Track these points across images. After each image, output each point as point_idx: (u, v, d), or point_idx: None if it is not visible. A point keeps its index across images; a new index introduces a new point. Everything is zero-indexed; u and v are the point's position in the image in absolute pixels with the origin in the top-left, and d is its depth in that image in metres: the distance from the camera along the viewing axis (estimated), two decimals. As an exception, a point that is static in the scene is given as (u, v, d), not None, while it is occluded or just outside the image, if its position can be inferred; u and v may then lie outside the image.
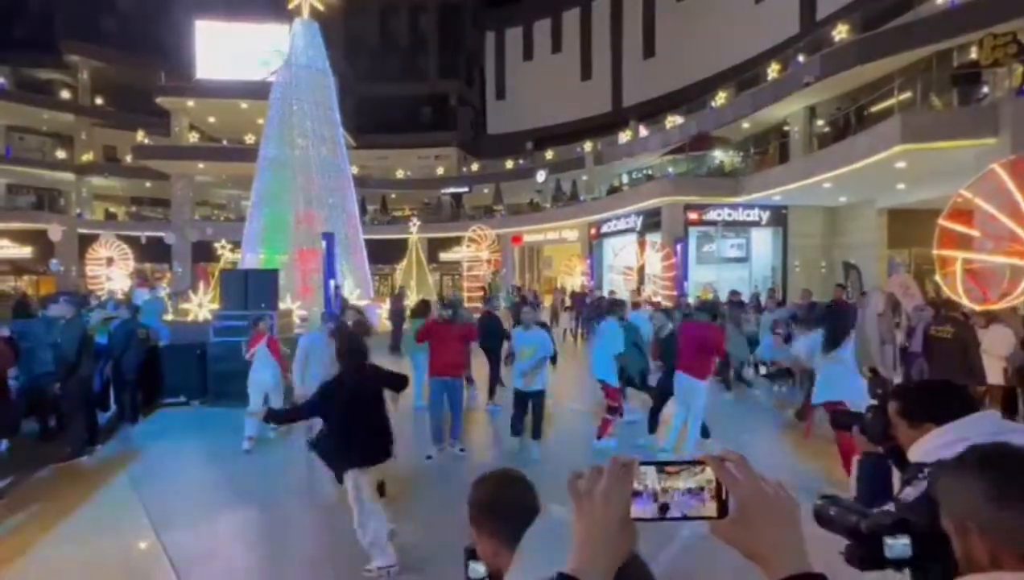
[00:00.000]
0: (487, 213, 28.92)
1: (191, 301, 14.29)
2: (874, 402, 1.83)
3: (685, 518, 0.66)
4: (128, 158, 27.74)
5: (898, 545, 0.96)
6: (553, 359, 6.15)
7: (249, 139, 24.60)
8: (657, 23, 29.99)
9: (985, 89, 11.24)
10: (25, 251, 26.08)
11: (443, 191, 31.90)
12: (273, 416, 4.06)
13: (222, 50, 25.93)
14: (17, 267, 26.67)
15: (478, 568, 1.28)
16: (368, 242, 16.86)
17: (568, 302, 17.53)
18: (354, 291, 14.20)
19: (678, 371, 5.57)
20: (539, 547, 1.14)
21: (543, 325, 7.44)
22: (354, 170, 18.81)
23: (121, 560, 3.76)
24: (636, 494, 0.66)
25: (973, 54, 11.00)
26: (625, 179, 24.35)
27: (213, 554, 3.81)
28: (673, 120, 22.05)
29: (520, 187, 29.45)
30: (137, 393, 7.15)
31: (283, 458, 5.76)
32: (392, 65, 37.25)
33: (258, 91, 21.12)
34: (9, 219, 25.50)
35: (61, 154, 28.79)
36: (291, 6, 15.38)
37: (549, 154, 28.95)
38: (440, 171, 32.84)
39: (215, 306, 11.36)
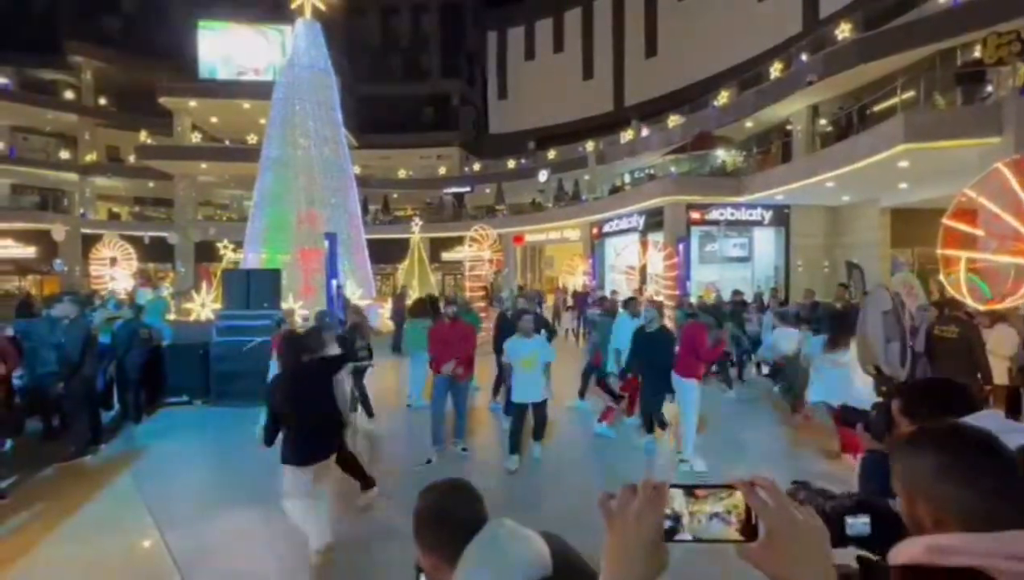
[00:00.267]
0: (489, 213, 28.92)
1: (194, 301, 14.33)
2: (879, 400, 1.85)
3: (715, 541, 0.67)
4: (131, 158, 27.85)
5: (858, 524, 1.05)
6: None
7: (251, 139, 24.65)
8: (659, 22, 29.95)
9: (989, 88, 11.18)
10: (29, 251, 26.18)
11: (445, 191, 31.91)
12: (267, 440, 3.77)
13: (225, 50, 26.00)
14: (21, 267, 26.78)
15: None
16: (370, 242, 16.87)
17: (570, 302, 17.53)
18: (356, 291, 14.21)
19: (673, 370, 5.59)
20: (481, 561, 1.10)
21: (545, 323, 7.44)
22: (356, 170, 18.83)
23: (124, 559, 3.77)
24: (666, 517, 0.68)
25: (977, 53, 10.94)
26: (627, 179, 24.33)
27: (216, 553, 3.81)
28: (675, 119, 22.02)
29: (522, 187, 29.45)
30: (140, 393, 7.17)
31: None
32: (394, 65, 37.30)
33: (260, 91, 21.18)
34: (13, 219, 25.59)
35: (65, 154, 28.89)
36: (293, 6, 15.40)
37: (551, 154, 28.94)
38: (442, 171, 32.85)
39: (218, 306, 11.39)
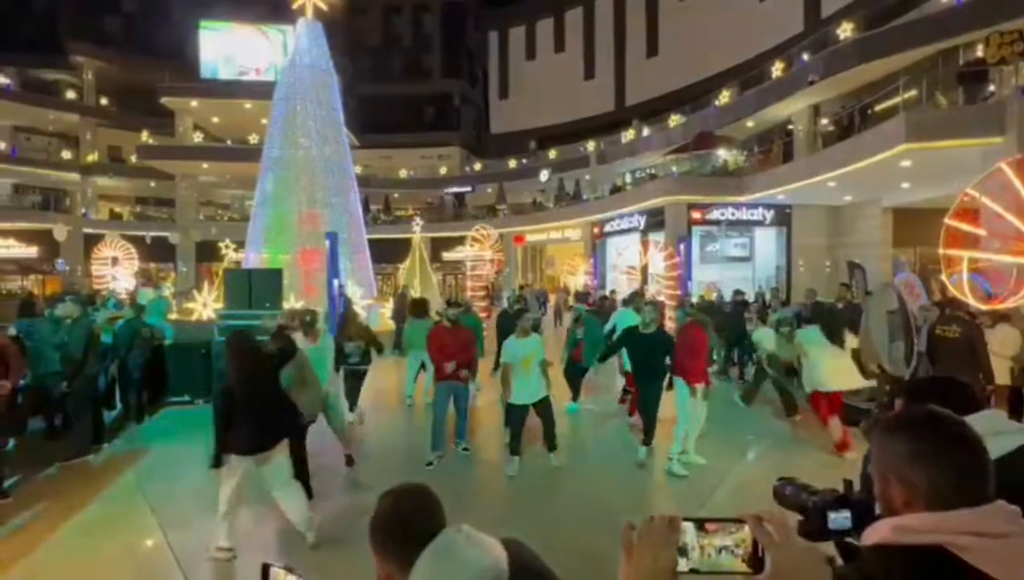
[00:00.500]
0: (490, 212, 28.92)
1: (195, 300, 14.36)
2: (884, 399, 1.87)
3: (724, 573, 0.73)
4: (133, 158, 27.89)
5: (839, 518, 1.09)
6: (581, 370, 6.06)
7: (253, 139, 24.69)
8: (660, 22, 29.94)
9: (991, 87, 11.17)
10: (31, 251, 26.23)
11: (446, 190, 31.92)
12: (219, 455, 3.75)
13: (226, 50, 26.03)
14: (23, 266, 26.84)
15: None
16: (371, 242, 16.88)
17: (572, 301, 17.55)
18: (357, 291, 14.23)
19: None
20: (433, 570, 1.09)
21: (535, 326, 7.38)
22: (357, 170, 18.84)
23: (127, 558, 3.78)
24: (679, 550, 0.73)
25: (979, 52, 10.92)
26: (628, 178, 24.31)
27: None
28: (676, 119, 22.02)
29: (523, 186, 29.45)
30: (142, 392, 7.19)
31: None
32: (395, 65, 37.34)
33: (262, 91, 21.19)
34: (15, 219, 25.64)
35: (66, 154, 28.94)
36: (295, 6, 15.41)
37: (552, 153, 28.94)
38: (443, 170, 32.86)
39: (219, 305, 11.41)
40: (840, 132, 14.98)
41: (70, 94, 29.84)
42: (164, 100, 26.32)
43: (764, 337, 7.60)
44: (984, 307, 6.22)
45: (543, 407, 5.38)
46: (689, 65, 27.22)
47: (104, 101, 29.92)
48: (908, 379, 4.63)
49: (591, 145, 25.72)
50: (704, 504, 4.57)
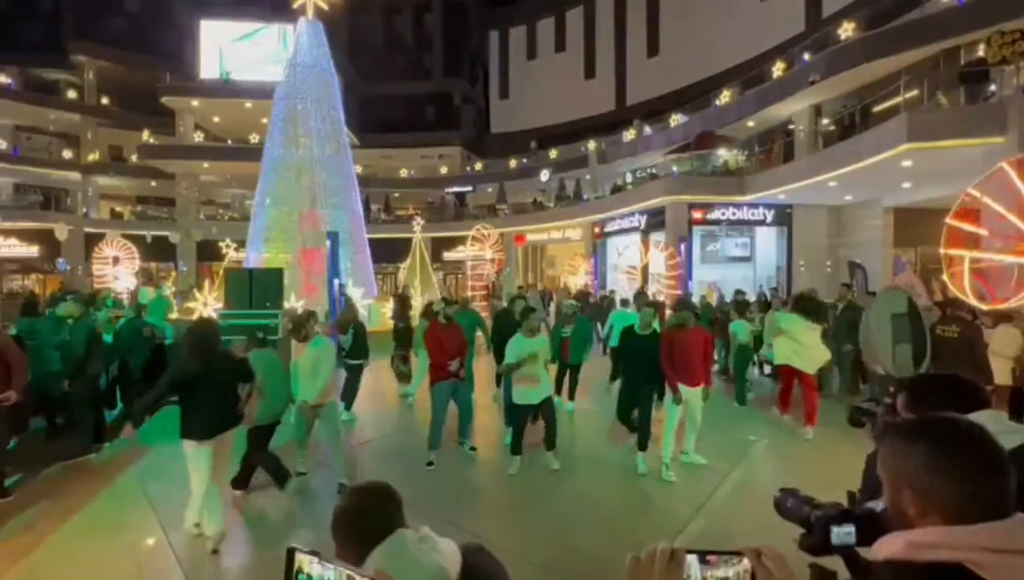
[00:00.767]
0: (491, 212, 28.91)
1: (196, 300, 14.36)
2: (888, 401, 1.85)
3: None
4: (134, 158, 27.90)
5: (843, 532, 1.06)
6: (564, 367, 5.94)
7: (253, 139, 24.70)
8: (661, 21, 29.91)
9: (992, 87, 11.15)
10: (32, 250, 26.26)
11: (447, 190, 31.91)
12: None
13: (227, 50, 26.03)
14: (25, 266, 26.88)
15: None
16: (372, 241, 16.89)
17: (563, 300, 17.52)
18: (358, 290, 14.23)
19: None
20: (382, 566, 1.11)
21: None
22: (358, 169, 18.84)
23: (128, 557, 3.78)
24: None
25: (980, 52, 10.91)
26: (629, 178, 24.30)
27: (219, 551, 3.82)
28: (677, 119, 21.99)
29: (524, 186, 29.43)
30: (143, 392, 7.18)
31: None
32: (396, 64, 37.32)
33: (262, 91, 21.18)
34: (16, 218, 25.66)
35: (68, 154, 28.96)
36: (295, 5, 15.42)
37: (553, 153, 28.91)
38: (444, 170, 32.85)
39: (220, 305, 11.42)
40: (841, 132, 14.97)
41: (71, 94, 29.86)
42: (165, 100, 26.34)
43: (740, 329, 8.22)
44: (985, 307, 6.22)
45: (546, 408, 5.32)
46: (690, 65, 27.20)
47: (105, 101, 29.94)
48: (911, 377, 4.61)
49: (592, 145, 25.70)
50: (704, 505, 4.57)
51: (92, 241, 22.80)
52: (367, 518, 1.26)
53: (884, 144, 10.92)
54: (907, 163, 11.24)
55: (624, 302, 10.83)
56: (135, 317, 7.39)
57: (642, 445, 5.33)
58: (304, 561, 1.04)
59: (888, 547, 0.88)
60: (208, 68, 26.02)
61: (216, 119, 27.98)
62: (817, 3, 21.34)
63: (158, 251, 27.10)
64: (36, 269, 26.96)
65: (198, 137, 27.47)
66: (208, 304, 13.95)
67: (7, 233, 25.46)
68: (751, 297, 11.27)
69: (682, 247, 16.72)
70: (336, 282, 11.56)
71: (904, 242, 15.29)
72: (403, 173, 32.17)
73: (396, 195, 32.07)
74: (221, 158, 26.27)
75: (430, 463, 5.41)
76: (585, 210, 23.48)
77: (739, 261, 18.45)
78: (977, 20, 11.79)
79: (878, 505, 1.47)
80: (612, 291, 16.90)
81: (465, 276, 20.85)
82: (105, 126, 29.64)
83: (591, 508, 4.56)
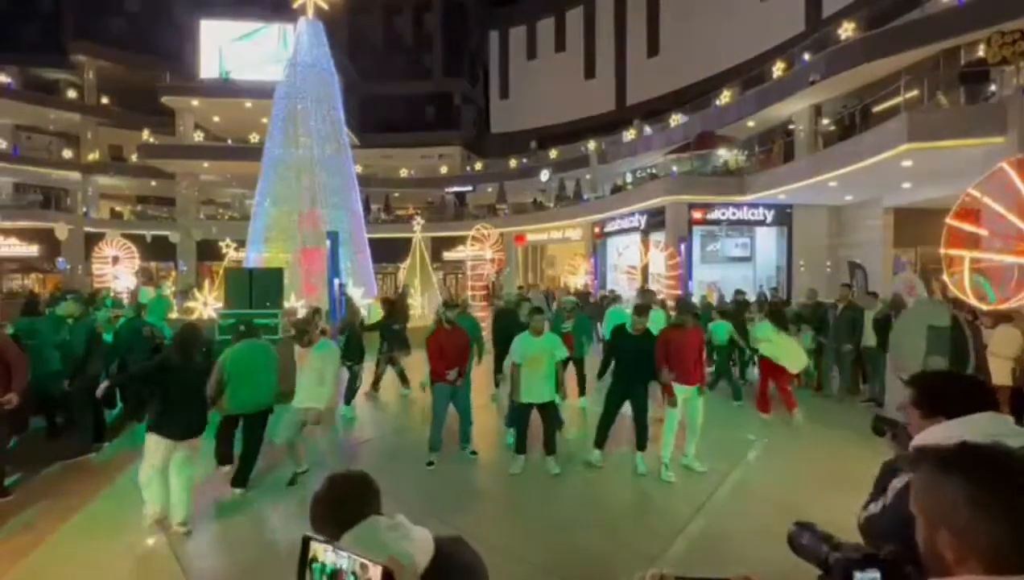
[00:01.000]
0: (491, 212, 28.91)
1: (196, 299, 14.36)
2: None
3: None
4: (134, 157, 27.89)
5: (866, 578, 0.99)
6: (565, 362, 5.71)
7: (253, 138, 24.69)
8: (661, 21, 29.90)
9: (993, 87, 11.16)
10: (32, 249, 26.27)
11: (447, 190, 31.90)
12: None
13: (227, 50, 26.03)
14: (24, 265, 26.88)
15: None
16: (372, 241, 16.88)
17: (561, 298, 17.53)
18: (358, 290, 14.22)
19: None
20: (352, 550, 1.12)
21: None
22: (358, 169, 18.83)
23: (128, 557, 3.78)
24: None
25: (980, 52, 10.91)
26: (629, 178, 24.30)
27: (219, 550, 3.82)
28: (677, 119, 21.99)
29: (524, 186, 29.43)
30: (143, 391, 7.18)
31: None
32: (396, 64, 37.31)
33: (262, 90, 21.17)
34: (16, 217, 25.66)
35: (67, 153, 28.96)
36: (295, 5, 15.39)
37: (553, 153, 28.91)
38: (444, 170, 32.84)
39: (220, 304, 11.41)
40: (841, 132, 14.97)
41: (71, 93, 29.85)
42: (165, 99, 26.33)
43: (719, 330, 8.40)
44: (986, 307, 6.22)
45: (548, 410, 5.30)
46: (690, 65, 27.19)
47: (105, 100, 29.93)
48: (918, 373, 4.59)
49: (592, 145, 25.70)
50: (704, 505, 4.57)
51: (92, 241, 22.79)
52: (345, 506, 1.28)
53: (884, 144, 10.92)
54: (907, 163, 11.25)
55: (616, 299, 10.90)
56: (135, 317, 7.39)
57: (641, 444, 5.32)
58: (319, 549, 1.07)
59: None
60: (208, 68, 26.01)
61: (216, 119, 27.98)
62: (817, 3, 21.33)
63: (158, 251, 27.10)
64: (36, 268, 26.96)
65: (198, 137, 27.47)
66: (208, 304, 13.95)
67: (7, 232, 25.46)
68: (751, 297, 11.26)
69: (682, 247, 16.72)
70: (336, 282, 11.55)
71: (904, 242, 15.29)
72: (403, 173, 32.16)
73: (396, 195, 32.06)
74: (221, 158, 26.26)
75: (430, 463, 5.41)
76: (585, 210, 23.48)
77: (739, 261, 18.45)
78: (977, 20, 11.79)
79: (877, 506, 1.45)
80: (612, 291, 16.89)
81: (465, 276, 20.84)
82: (105, 126, 29.64)
83: (591, 508, 4.56)
